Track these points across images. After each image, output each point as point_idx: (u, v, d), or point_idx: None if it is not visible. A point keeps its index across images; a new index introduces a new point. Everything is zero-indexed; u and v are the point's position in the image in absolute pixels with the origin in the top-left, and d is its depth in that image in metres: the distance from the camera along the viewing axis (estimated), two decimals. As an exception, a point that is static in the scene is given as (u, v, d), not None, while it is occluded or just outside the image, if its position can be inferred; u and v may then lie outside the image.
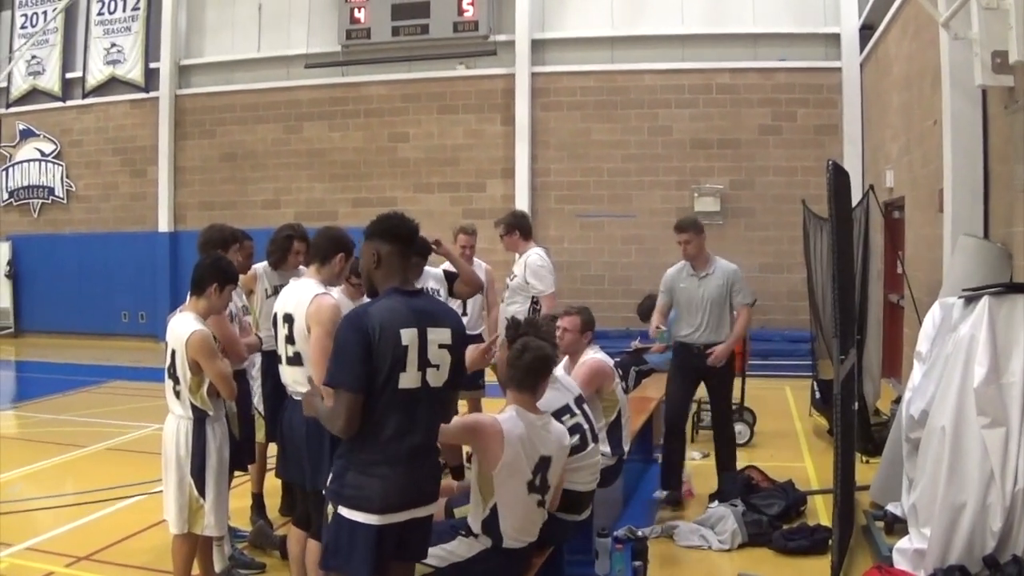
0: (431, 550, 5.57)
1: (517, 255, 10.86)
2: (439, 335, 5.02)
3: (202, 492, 6.67)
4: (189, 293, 6.94)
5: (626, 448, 8.17)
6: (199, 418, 6.67)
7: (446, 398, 5.22)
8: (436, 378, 5.00)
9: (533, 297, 10.53)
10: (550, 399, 6.62)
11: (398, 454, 4.90)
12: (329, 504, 5.05)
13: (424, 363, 4.95)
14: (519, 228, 10.89)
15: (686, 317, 9.68)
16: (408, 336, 4.90)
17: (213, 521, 6.73)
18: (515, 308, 10.41)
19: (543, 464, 5.83)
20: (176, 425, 6.71)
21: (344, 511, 4.93)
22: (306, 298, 6.37)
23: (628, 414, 8.35)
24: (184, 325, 6.65)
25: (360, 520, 4.87)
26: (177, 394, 6.69)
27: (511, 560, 5.81)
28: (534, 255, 10.67)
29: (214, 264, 6.91)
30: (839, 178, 7.83)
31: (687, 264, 9.82)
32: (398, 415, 4.90)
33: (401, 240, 5.13)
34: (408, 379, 4.90)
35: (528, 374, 5.89)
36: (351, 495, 4.91)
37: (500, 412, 5.93)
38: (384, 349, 4.85)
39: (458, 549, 5.78)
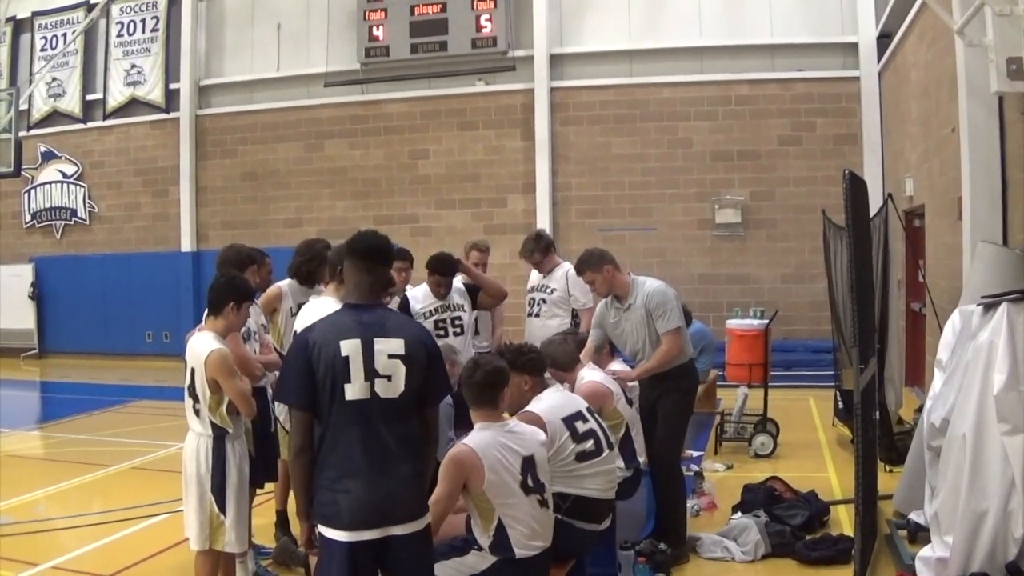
0: (445, 563, 5.59)
1: (540, 272, 10.82)
2: (388, 345, 4.99)
3: (223, 509, 6.71)
4: (206, 313, 6.99)
5: (641, 460, 8.14)
6: (219, 435, 6.72)
7: (409, 411, 5.08)
8: (387, 389, 4.96)
9: (574, 310, 10.53)
10: (564, 402, 6.70)
11: (359, 468, 4.88)
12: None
13: (372, 373, 4.94)
14: (552, 246, 10.97)
15: (627, 352, 8.78)
16: (349, 347, 4.91)
17: (234, 538, 6.76)
18: (557, 322, 10.39)
19: (528, 464, 5.82)
20: (196, 443, 6.76)
21: (321, 528, 4.96)
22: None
23: (639, 427, 8.31)
24: (203, 344, 6.71)
25: (332, 536, 4.89)
26: (197, 412, 6.74)
27: (527, 570, 5.79)
28: (573, 269, 10.70)
29: (229, 283, 6.97)
30: (855, 187, 7.83)
31: (612, 296, 8.72)
32: (353, 428, 4.91)
33: (355, 254, 5.15)
34: (354, 390, 4.90)
35: (483, 391, 5.87)
36: (323, 512, 4.93)
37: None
38: (324, 363, 4.89)
39: (472, 562, 5.78)
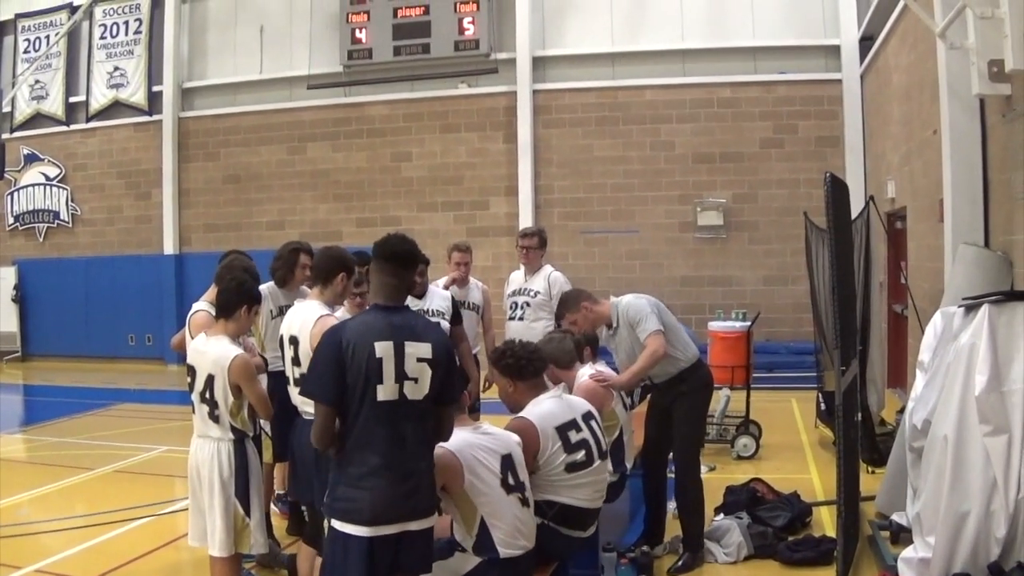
0: (429, 566, 5.61)
1: (526, 271, 10.83)
2: (417, 349, 5.12)
3: (248, 511, 6.78)
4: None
5: (628, 465, 8.17)
6: (239, 439, 6.79)
7: (429, 412, 5.23)
8: (414, 391, 5.11)
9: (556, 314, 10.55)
10: (560, 410, 6.63)
11: (385, 466, 5.00)
12: (326, 519, 5.15)
13: (401, 376, 5.06)
14: (546, 245, 11.03)
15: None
16: (383, 349, 5.02)
17: (261, 538, 6.89)
18: (542, 325, 10.38)
19: (507, 462, 5.88)
20: (215, 448, 6.76)
21: (336, 524, 5.04)
22: (310, 320, 6.49)
23: (631, 431, 8.32)
24: (222, 349, 6.74)
25: (351, 532, 4.97)
26: (216, 418, 6.75)
27: (511, 571, 5.81)
28: (556, 272, 10.73)
29: (241, 287, 6.98)
30: (837, 190, 7.86)
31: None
32: (382, 428, 5.02)
33: (382, 258, 5.26)
34: (386, 391, 5.02)
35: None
36: (342, 508, 5.03)
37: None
38: (357, 362, 4.98)
39: (457, 565, 5.80)
